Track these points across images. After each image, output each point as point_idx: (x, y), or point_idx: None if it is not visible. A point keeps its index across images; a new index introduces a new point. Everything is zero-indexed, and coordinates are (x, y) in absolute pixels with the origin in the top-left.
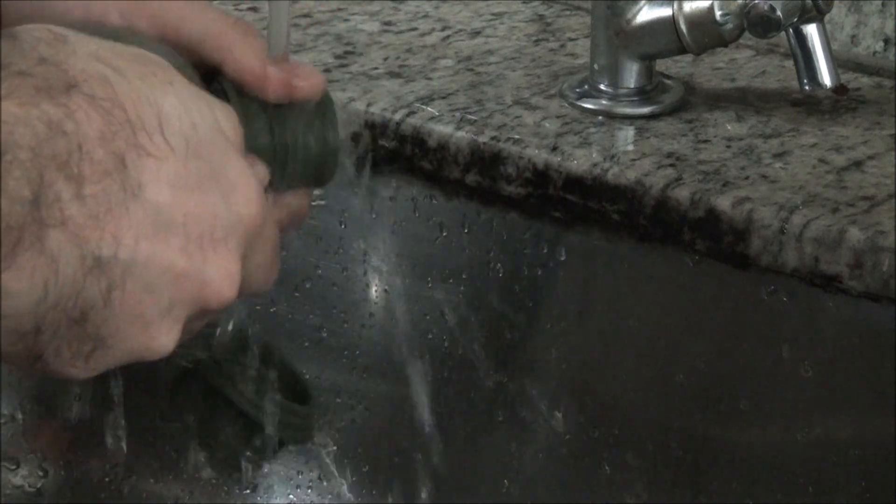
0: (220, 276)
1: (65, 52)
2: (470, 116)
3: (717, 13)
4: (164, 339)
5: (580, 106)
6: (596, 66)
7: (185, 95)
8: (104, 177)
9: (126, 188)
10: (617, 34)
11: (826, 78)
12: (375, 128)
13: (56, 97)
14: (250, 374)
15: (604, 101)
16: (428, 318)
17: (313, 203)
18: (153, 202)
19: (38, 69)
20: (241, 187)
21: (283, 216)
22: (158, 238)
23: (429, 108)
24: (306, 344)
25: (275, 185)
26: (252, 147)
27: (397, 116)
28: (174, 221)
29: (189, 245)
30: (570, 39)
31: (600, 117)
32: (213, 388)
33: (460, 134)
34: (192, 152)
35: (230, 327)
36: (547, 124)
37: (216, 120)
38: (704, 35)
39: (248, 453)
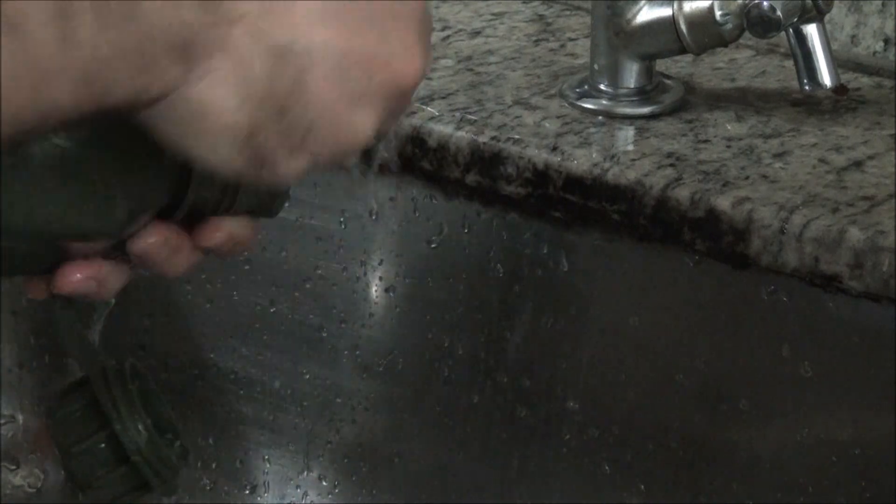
0: (404, 51)
1: None
2: (470, 116)
3: (717, 13)
4: (361, 123)
5: (580, 106)
6: (596, 66)
7: None
8: None
9: None
10: (617, 34)
11: (826, 78)
12: None
13: None
14: (133, 398)
15: (604, 101)
16: (428, 318)
17: (313, 203)
18: None
19: None
20: None
21: (224, 241)
22: (331, 24)
23: (429, 108)
24: (306, 344)
25: (222, 208)
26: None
27: None
28: (342, 7)
29: (363, 27)
30: (570, 39)
31: (600, 117)
32: (94, 403)
33: (460, 134)
34: None
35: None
36: (547, 124)
37: None
38: (704, 35)
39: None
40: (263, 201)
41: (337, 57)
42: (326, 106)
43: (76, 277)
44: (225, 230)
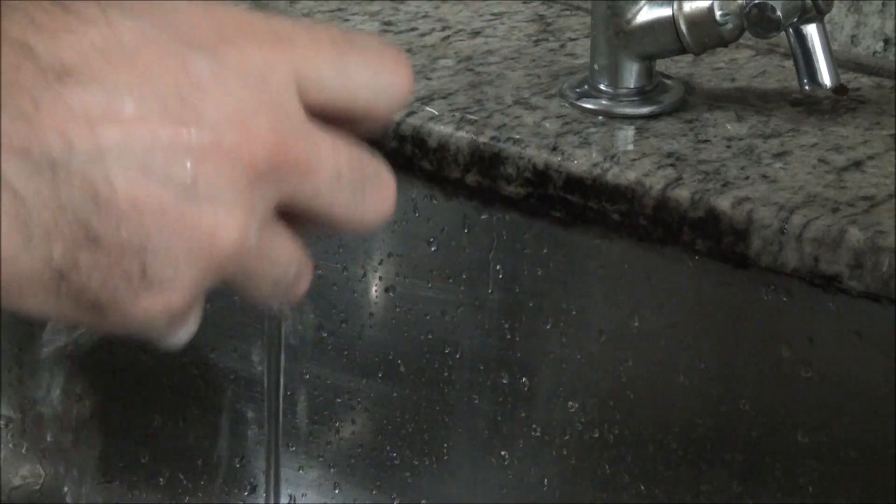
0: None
1: None
2: (470, 116)
3: (717, 13)
4: (217, 224)
5: (580, 106)
6: (596, 66)
7: None
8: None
9: (45, 71)
10: (617, 34)
11: (826, 78)
12: None
13: None
14: None
15: (604, 101)
16: (428, 318)
17: None
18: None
19: None
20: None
21: None
22: (123, 117)
23: (429, 108)
24: (306, 344)
25: None
26: None
27: (397, 116)
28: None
29: (179, 110)
30: (570, 39)
31: (600, 117)
32: None
33: (460, 134)
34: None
35: None
36: (547, 124)
37: None
38: (704, 35)
39: None
40: None
41: (141, 152)
42: (154, 214)
43: None
44: None
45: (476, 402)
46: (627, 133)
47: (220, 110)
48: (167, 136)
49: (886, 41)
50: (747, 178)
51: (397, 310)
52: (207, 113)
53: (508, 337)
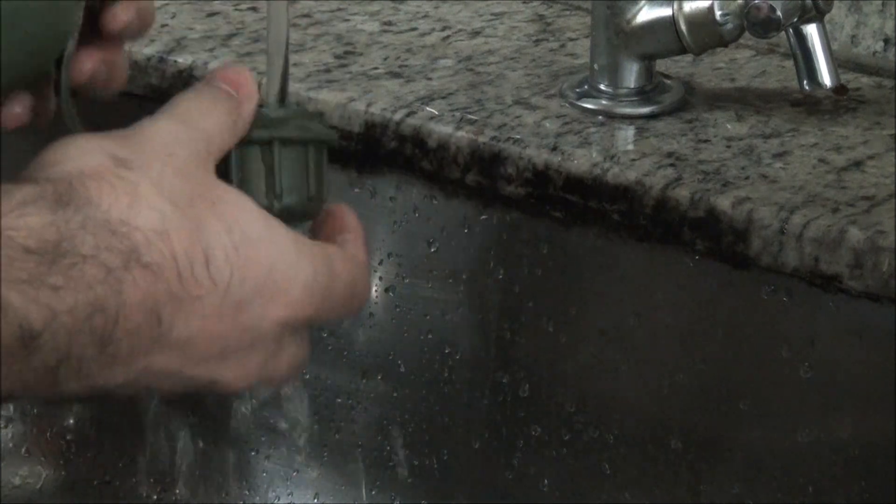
0: (232, 379)
1: (131, 201)
2: (470, 116)
3: (717, 13)
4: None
5: (580, 106)
6: (596, 66)
7: (232, 217)
8: (133, 336)
9: (154, 337)
10: (617, 34)
11: (826, 78)
12: (375, 128)
13: (113, 276)
14: None
15: (604, 101)
16: (428, 318)
17: None
18: (178, 339)
19: (104, 243)
20: (283, 293)
21: (133, 18)
22: (172, 360)
23: (429, 108)
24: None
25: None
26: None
27: (397, 116)
28: (196, 347)
29: (208, 359)
30: (570, 39)
31: (600, 117)
32: None
33: (460, 134)
34: (237, 278)
35: None
36: (547, 124)
37: (268, 227)
38: (704, 35)
39: None
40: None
41: (159, 381)
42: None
43: (87, 66)
44: (132, 8)
45: (476, 402)
46: (627, 133)
47: (229, 373)
48: (185, 377)
49: (886, 41)
50: (747, 178)
51: (397, 310)
52: (222, 372)
53: (508, 337)
